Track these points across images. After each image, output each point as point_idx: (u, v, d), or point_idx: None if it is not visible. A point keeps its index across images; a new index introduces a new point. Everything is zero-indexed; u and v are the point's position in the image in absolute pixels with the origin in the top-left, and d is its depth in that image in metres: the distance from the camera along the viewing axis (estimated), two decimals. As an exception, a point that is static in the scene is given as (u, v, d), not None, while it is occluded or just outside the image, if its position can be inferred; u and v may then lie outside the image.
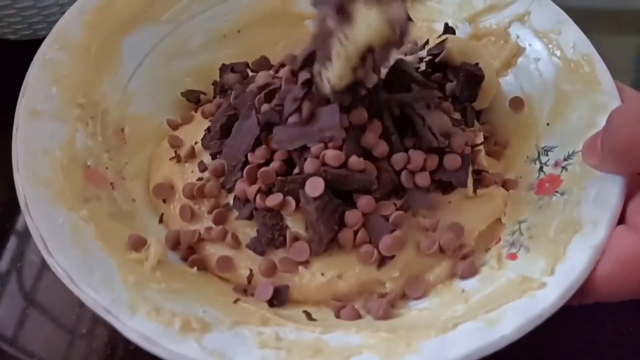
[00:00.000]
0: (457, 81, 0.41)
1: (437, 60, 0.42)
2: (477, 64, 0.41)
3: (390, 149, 0.37)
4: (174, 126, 0.46)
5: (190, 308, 0.32)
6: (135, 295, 0.31)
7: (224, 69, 0.50)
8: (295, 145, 0.37)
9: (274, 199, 0.36)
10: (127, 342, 0.29)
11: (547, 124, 0.41)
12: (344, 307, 0.34)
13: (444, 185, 0.37)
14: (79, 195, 0.36)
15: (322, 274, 0.35)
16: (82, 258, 0.32)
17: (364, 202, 0.35)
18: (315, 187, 0.35)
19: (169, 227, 0.40)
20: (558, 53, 0.43)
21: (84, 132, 0.40)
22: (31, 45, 0.41)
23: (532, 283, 0.31)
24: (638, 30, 0.41)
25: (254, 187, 0.37)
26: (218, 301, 0.33)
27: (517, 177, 0.41)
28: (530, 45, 0.44)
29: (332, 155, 0.36)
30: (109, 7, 0.44)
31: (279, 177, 0.36)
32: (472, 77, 0.41)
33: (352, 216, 0.35)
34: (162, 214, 0.40)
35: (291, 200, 0.36)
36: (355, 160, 0.36)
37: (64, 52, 0.41)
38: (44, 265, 0.43)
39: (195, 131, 0.44)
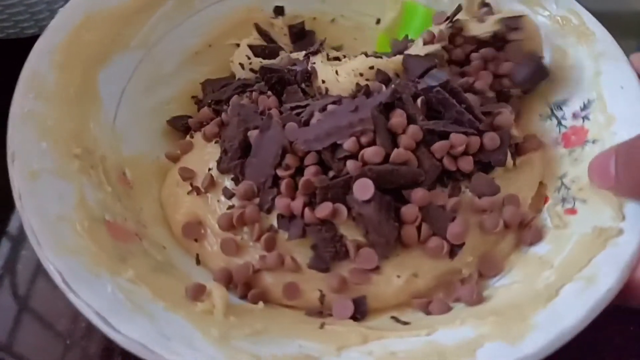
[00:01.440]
0: (518, 67, 0.41)
1: (504, 36, 0.42)
2: (541, 57, 0.41)
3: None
4: (175, 158, 0.42)
5: (285, 346, 0.29)
6: (227, 350, 0.28)
7: (207, 84, 0.46)
8: (325, 143, 0.34)
9: (324, 209, 0.33)
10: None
11: (551, 80, 0.42)
12: (431, 302, 0.33)
13: (485, 166, 0.37)
14: (114, 255, 0.32)
15: (398, 276, 0.33)
16: (151, 325, 0.28)
17: (419, 195, 0.33)
18: (364, 189, 0.33)
19: (210, 266, 0.36)
20: (542, 11, 0.44)
21: (90, 185, 0.35)
22: (18, 45, 0.37)
23: (609, 232, 0.32)
24: (637, 33, 0.43)
25: (299, 201, 0.34)
26: (306, 331, 0.31)
27: (539, 137, 0.41)
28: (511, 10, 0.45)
29: (372, 152, 0.34)
30: (76, 42, 0.39)
31: (320, 185, 0.34)
32: (541, 73, 0.41)
33: (409, 212, 0.34)
34: (197, 255, 0.37)
35: (342, 208, 0.34)
36: (398, 153, 0.34)
37: (42, 100, 0.36)
38: (37, 270, 0.41)
39: (201, 157, 0.40)
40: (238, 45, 0.49)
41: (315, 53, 0.43)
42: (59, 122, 0.36)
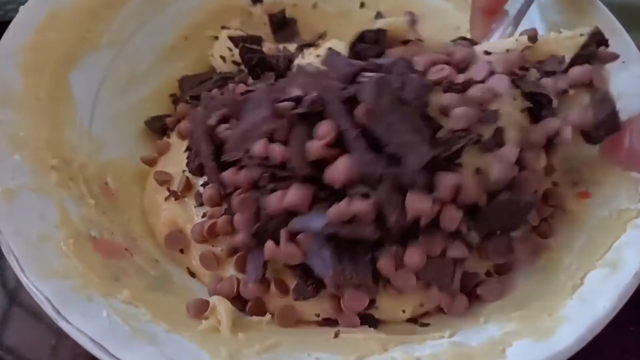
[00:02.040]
0: (593, 112, 0.30)
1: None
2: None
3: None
4: (151, 161, 0.39)
5: (300, 360, 0.27)
6: (241, 369, 0.26)
7: (184, 81, 0.43)
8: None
9: (288, 248, 0.28)
10: None
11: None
12: (454, 301, 0.30)
13: None
14: (106, 275, 0.29)
15: (403, 311, 0.31)
16: (154, 350, 0.26)
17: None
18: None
19: (202, 280, 0.33)
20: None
21: (71, 198, 0.32)
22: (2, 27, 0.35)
23: (629, 213, 0.30)
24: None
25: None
26: (320, 342, 0.29)
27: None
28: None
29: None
30: (42, 42, 0.36)
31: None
32: (612, 124, 0.31)
33: (384, 267, 0.28)
34: (188, 267, 0.34)
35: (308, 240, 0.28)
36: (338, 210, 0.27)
37: (10, 108, 0.33)
38: None
39: (177, 158, 0.37)
40: (216, 37, 0.46)
41: (309, 46, 0.40)
42: (31, 132, 0.33)
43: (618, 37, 0.37)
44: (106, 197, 0.35)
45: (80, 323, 0.25)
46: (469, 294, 0.31)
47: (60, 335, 0.34)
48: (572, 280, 0.29)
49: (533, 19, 0.40)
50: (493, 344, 0.27)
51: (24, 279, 0.27)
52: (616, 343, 0.24)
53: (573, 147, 0.37)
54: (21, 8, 0.37)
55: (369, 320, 0.31)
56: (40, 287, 0.26)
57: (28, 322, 0.36)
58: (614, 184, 0.33)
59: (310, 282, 0.29)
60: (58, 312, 0.26)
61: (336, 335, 0.29)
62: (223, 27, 0.45)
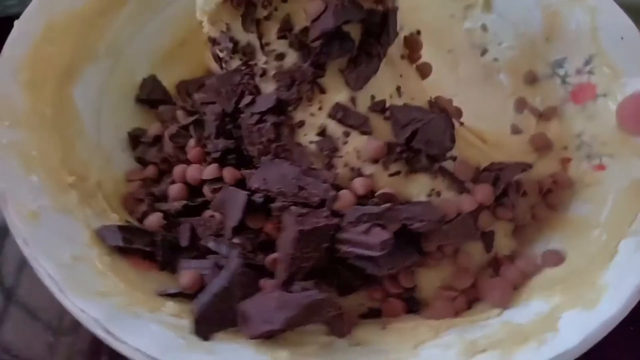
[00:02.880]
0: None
1: None
2: None
3: None
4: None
5: (359, 355, 0.27)
6: None
7: (181, 86, 0.42)
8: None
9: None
10: None
11: (547, 39, 0.42)
12: (497, 287, 0.30)
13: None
14: (147, 290, 0.28)
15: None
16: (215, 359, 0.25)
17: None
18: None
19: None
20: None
21: (94, 215, 0.31)
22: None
23: (649, 183, 0.32)
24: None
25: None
26: (370, 336, 0.28)
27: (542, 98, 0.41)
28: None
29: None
30: (41, 57, 0.34)
31: None
32: None
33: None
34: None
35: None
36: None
37: (18, 127, 0.31)
38: (24, 261, 0.35)
39: None
40: (213, 40, 0.45)
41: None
42: (43, 150, 0.31)
43: (614, 16, 0.38)
44: (126, 210, 0.34)
45: (135, 341, 0.24)
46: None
47: (57, 333, 0.34)
48: (607, 250, 0.30)
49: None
50: (543, 319, 0.27)
51: (67, 303, 0.25)
52: (616, 343, 0.25)
53: (580, 123, 0.38)
54: (16, 22, 0.35)
55: (411, 303, 0.31)
56: (86, 309, 0.25)
57: (25, 320, 0.35)
58: (629, 155, 0.34)
59: (358, 276, 0.29)
60: (109, 332, 0.25)
61: (384, 327, 0.30)
62: None
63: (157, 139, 0.36)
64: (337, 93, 0.31)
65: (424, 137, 0.31)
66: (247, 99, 0.32)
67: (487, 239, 0.32)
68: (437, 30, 0.46)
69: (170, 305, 0.27)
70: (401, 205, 0.29)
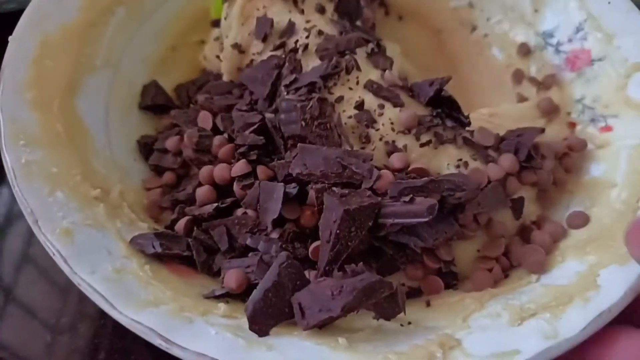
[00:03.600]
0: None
1: None
2: None
3: None
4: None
5: (412, 335, 0.27)
6: (362, 354, 0.25)
7: (180, 89, 0.42)
8: None
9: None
10: (112, 339, 0.29)
11: (535, 10, 0.43)
12: (532, 253, 0.31)
13: None
14: (194, 294, 0.28)
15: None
16: (277, 354, 0.25)
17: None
18: None
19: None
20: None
21: (124, 227, 0.30)
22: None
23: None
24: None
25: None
26: (417, 313, 0.29)
27: (537, 68, 0.42)
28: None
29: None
30: (42, 74, 0.34)
31: None
32: None
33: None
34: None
35: None
36: None
37: (36, 147, 0.31)
38: (23, 259, 0.38)
39: None
40: (202, 42, 0.45)
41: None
42: (63, 167, 0.31)
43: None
44: (152, 218, 0.33)
45: (196, 346, 0.24)
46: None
47: (55, 332, 0.34)
48: (629, 207, 0.31)
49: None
50: (583, 279, 0.28)
51: (119, 316, 0.25)
52: None
53: (580, 89, 0.39)
54: (10, 38, 0.34)
55: (449, 277, 0.32)
56: (140, 320, 0.25)
57: (23, 318, 0.35)
58: (633, 114, 0.35)
59: (401, 254, 0.30)
60: (168, 340, 0.24)
61: (428, 304, 0.30)
62: (214, 25, 0.43)
63: (173, 144, 0.35)
64: (370, 71, 0.34)
65: (446, 93, 0.34)
66: (290, 77, 0.33)
67: (517, 205, 0.33)
68: (425, 11, 0.47)
69: (222, 307, 0.27)
70: (441, 177, 0.30)
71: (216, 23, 0.44)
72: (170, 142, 0.35)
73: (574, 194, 0.35)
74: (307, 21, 0.36)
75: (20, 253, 0.38)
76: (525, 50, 0.43)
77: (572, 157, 0.35)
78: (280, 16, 0.36)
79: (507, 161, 0.32)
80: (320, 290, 0.26)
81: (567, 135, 0.37)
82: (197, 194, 0.32)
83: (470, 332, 0.27)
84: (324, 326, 0.26)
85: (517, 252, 0.32)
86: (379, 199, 0.29)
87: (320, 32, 0.36)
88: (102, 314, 0.32)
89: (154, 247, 0.29)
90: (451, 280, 0.32)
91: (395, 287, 0.27)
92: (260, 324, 0.26)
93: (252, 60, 0.37)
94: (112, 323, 0.32)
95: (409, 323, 0.28)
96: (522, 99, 0.40)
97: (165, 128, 0.39)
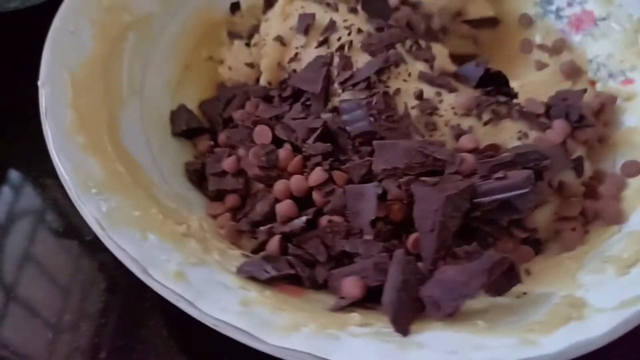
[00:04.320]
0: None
1: None
2: None
3: None
4: None
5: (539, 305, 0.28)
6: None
7: (205, 106, 0.41)
8: None
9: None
10: (112, 338, 0.29)
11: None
12: (608, 206, 0.33)
13: None
14: (319, 310, 0.27)
15: None
16: (432, 352, 0.25)
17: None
18: None
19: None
20: None
21: (221, 257, 0.29)
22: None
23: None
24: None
25: None
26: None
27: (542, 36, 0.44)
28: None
29: None
30: (82, 115, 0.32)
31: None
32: None
33: None
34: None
35: None
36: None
37: (107, 192, 0.29)
38: (24, 258, 0.37)
39: None
40: (211, 57, 0.43)
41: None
42: (142, 209, 0.29)
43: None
44: (234, 244, 0.32)
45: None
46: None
47: (56, 330, 0.33)
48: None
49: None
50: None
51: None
52: (616, 343, 0.25)
53: (591, 49, 0.42)
54: (40, 84, 0.32)
55: (534, 244, 0.33)
56: (291, 346, 0.24)
57: (24, 316, 0.34)
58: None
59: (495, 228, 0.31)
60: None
61: (528, 273, 0.31)
62: (230, 36, 0.43)
63: (231, 165, 0.34)
64: (415, 63, 0.35)
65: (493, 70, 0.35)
66: (344, 74, 0.33)
67: (578, 164, 0.34)
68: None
69: (355, 317, 0.27)
70: (522, 148, 0.31)
71: (232, 34, 0.43)
72: (228, 164, 0.34)
73: (617, 146, 0.37)
74: (345, 20, 0.36)
75: (22, 252, 0.37)
76: (527, 21, 0.45)
77: (607, 111, 0.38)
78: (319, 14, 0.36)
79: (562, 125, 0.34)
80: (449, 279, 0.26)
81: (592, 93, 0.39)
82: (278, 210, 0.31)
83: (587, 289, 0.28)
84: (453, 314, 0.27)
85: (591, 207, 0.33)
86: (472, 180, 0.29)
87: (359, 30, 0.36)
88: (103, 313, 0.33)
89: (266, 271, 0.28)
90: (537, 246, 0.33)
91: (511, 260, 0.27)
92: (402, 324, 0.26)
93: (296, 54, 0.36)
94: (113, 322, 0.33)
95: (524, 293, 0.29)
96: (541, 65, 0.42)
97: (206, 151, 0.37)
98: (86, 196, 0.27)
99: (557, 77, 0.40)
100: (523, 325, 0.26)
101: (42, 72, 0.32)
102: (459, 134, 0.33)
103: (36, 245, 0.37)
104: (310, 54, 0.36)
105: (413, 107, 0.33)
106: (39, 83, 0.31)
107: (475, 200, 0.29)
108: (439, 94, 0.34)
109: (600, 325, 0.25)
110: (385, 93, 0.32)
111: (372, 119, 0.32)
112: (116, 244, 0.26)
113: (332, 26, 0.36)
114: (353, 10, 0.37)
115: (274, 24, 0.37)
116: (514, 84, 0.40)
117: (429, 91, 0.34)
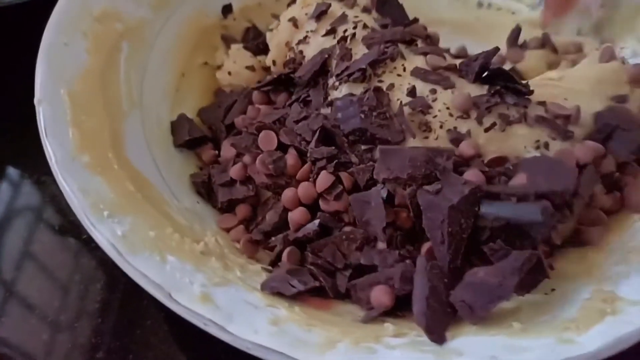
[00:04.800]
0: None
1: None
2: None
3: None
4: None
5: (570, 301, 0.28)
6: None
7: (204, 113, 0.39)
8: None
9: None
10: (112, 336, 0.29)
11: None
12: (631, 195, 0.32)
13: None
14: (349, 322, 0.27)
15: None
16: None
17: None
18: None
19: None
20: None
21: (241, 274, 0.28)
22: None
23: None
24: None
25: None
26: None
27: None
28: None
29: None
30: (84, 132, 0.30)
31: None
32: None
33: None
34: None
35: None
36: None
37: (120, 214, 0.28)
38: (23, 256, 0.37)
39: None
40: (206, 63, 0.42)
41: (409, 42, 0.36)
42: (157, 229, 0.28)
43: None
44: (251, 258, 0.31)
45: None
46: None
47: (54, 329, 0.33)
48: None
49: None
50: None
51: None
52: None
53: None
54: (36, 101, 0.30)
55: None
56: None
57: (23, 315, 0.34)
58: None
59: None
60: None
61: (552, 268, 0.31)
62: (224, 40, 0.43)
63: (239, 172, 0.33)
64: (414, 58, 0.34)
65: (494, 66, 0.33)
66: (341, 66, 0.33)
67: (609, 181, 0.32)
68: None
69: (389, 327, 0.26)
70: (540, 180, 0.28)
71: (226, 38, 0.42)
72: (235, 171, 0.33)
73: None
74: (356, 16, 0.36)
75: (21, 250, 0.37)
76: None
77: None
78: (334, 7, 0.37)
79: (596, 146, 0.31)
80: (481, 282, 0.26)
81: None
82: (291, 219, 0.30)
83: (616, 281, 0.28)
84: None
85: (614, 200, 0.32)
86: (477, 182, 0.28)
87: (365, 26, 0.35)
88: (101, 312, 0.33)
89: (292, 286, 0.27)
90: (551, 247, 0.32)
91: (538, 254, 0.27)
92: (437, 333, 0.25)
93: (305, 37, 0.37)
94: (112, 321, 0.32)
95: (553, 290, 0.29)
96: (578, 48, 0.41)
97: (210, 161, 0.36)
98: (99, 221, 0.26)
99: (618, 76, 0.35)
100: (557, 324, 0.26)
101: (38, 89, 0.30)
102: (455, 138, 0.31)
103: (34, 243, 0.37)
104: (318, 40, 0.36)
105: (405, 105, 0.32)
106: (35, 101, 0.30)
107: (481, 212, 0.28)
108: (433, 91, 0.32)
109: (638, 319, 0.25)
110: (377, 89, 0.31)
111: (362, 115, 0.30)
112: (136, 270, 0.25)
113: (342, 18, 0.35)
114: (366, 10, 0.37)
115: (296, 10, 0.38)
116: (551, 74, 0.37)
117: (422, 88, 0.32)
